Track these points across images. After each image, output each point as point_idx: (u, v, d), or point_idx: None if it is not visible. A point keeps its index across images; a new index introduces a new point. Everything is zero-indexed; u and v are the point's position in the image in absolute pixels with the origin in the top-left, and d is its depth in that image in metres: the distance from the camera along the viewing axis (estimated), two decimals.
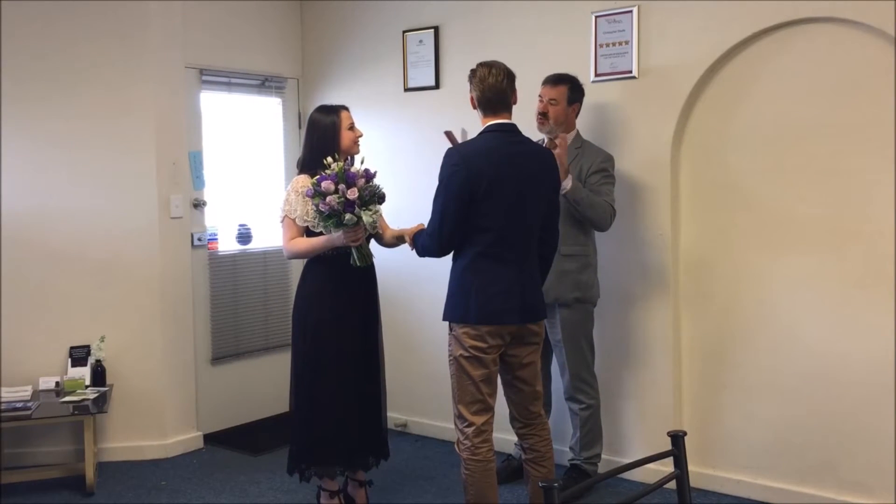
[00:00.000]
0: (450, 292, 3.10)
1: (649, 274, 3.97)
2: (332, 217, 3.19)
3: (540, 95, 3.79)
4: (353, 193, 3.15)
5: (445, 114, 4.54)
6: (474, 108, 3.16)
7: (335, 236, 3.31)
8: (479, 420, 3.06)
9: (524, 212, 3.04)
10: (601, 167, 3.73)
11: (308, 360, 3.44)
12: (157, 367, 4.52)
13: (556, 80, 3.80)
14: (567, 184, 3.52)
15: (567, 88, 3.78)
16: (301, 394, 3.47)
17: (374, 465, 3.65)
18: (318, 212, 3.20)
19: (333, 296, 3.43)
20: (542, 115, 3.77)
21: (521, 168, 3.03)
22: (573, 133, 3.86)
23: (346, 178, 3.17)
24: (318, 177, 3.20)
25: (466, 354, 3.03)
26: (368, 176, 3.25)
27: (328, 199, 3.15)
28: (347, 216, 3.17)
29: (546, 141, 3.81)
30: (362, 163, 3.33)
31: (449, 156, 3.04)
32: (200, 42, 4.76)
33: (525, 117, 3.68)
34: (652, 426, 3.96)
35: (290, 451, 3.55)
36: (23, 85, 4.33)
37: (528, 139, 3.20)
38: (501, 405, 3.21)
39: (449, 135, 3.56)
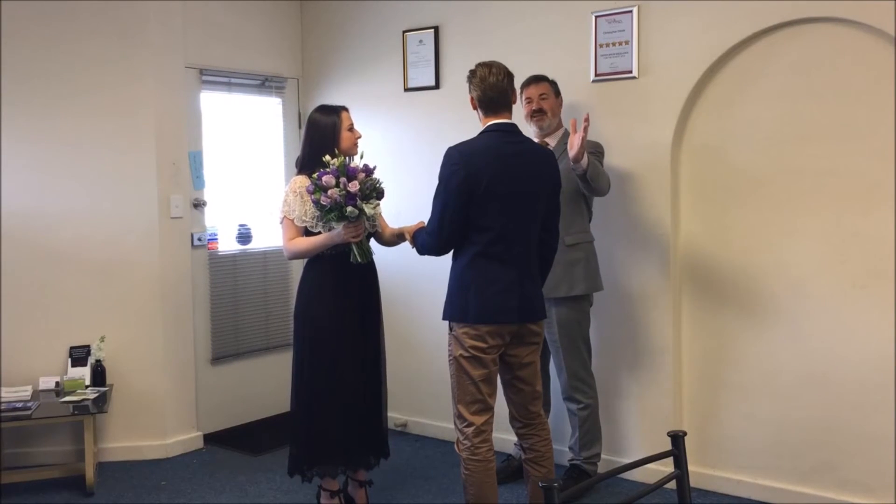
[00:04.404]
0: (449, 292, 3.10)
1: (649, 274, 3.97)
2: (333, 210, 3.19)
3: (528, 97, 3.81)
4: (354, 186, 3.17)
5: (445, 114, 4.55)
6: (474, 108, 3.16)
7: (335, 233, 3.31)
8: (478, 420, 3.06)
9: (524, 211, 3.04)
10: (589, 152, 3.73)
11: (309, 361, 3.43)
12: (157, 367, 4.52)
13: (536, 78, 3.86)
14: (584, 163, 3.49)
15: (549, 83, 3.84)
16: (302, 394, 3.47)
17: (374, 465, 3.65)
18: (320, 206, 3.20)
19: (334, 295, 3.43)
20: (539, 112, 3.80)
21: (521, 168, 3.03)
22: (562, 130, 3.88)
23: (347, 172, 3.19)
24: (318, 172, 3.21)
25: (466, 354, 3.03)
26: (368, 171, 3.27)
27: (329, 192, 3.15)
28: (349, 209, 3.17)
29: (537, 141, 3.82)
30: (361, 158, 3.34)
31: (449, 155, 3.04)
32: (200, 42, 4.76)
33: (521, 121, 3.68)
34: (652, 426, 3.96)
35: (291, 452, 3.54)
36: (23, 85, 4.33)
37: (528, 139, 3.21)
38: (501, 405, 3.21)
39: None
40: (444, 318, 3.12)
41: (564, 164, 3.61)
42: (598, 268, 3.88)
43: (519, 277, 3.03)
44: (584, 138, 3.43)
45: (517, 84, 3.31)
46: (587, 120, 3.48)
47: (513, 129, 3.10)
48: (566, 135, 3.86)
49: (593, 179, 3.55)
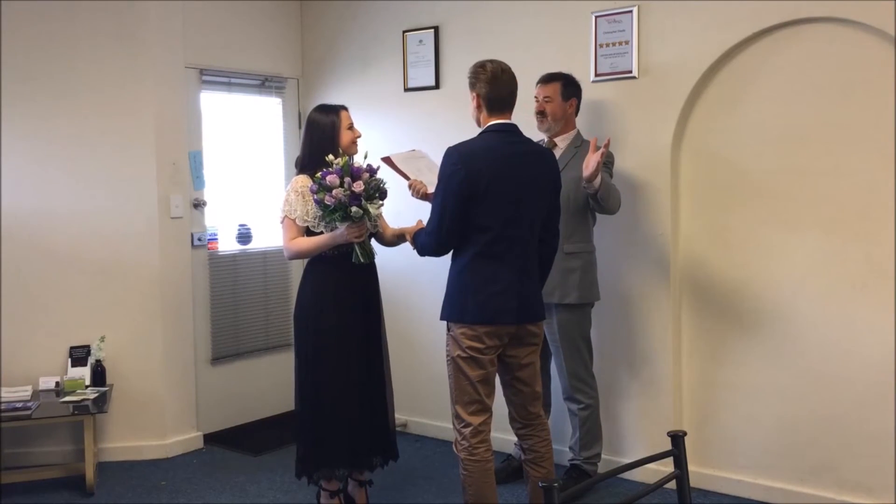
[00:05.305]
0: (448, 292, 3.10)
1: (649, 274, 3.97)
2: (337, 210, 3.19)
3: (535, 96, 3.81)
4: (358, 186, 3.17)
5: (445, 114, 4.55)
6: (477, 106, 3.11)
7: (338, 233, 3.30)
8: (476, 420, 3.06)
9: (524, 212, 3.03)
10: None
11: (312, 362, 3.42)
12: (157, 367, 4.52)
13: (548, 78, 3.84)
14: (597, 183, 3.47)
15: (560, 84, 3.80)
16: (306, 396, 3.45)
17: (381, 466, 3.62)
18: (324, 206, 3.20)
19: (335, 296, 3.42)
20: (540, 114, 3.80)
21: (521, 168, 3.03)
22: (574, 132, 3.86)
23: (351, 172, 3.19)
24: (321, 172, 3.21)
25: (464, 355, 3.02)
26: (372, 171, 3.28)
27: (334, 191, 3.15)
28: (354, 209, 3.17)
29: (546, 141, 3.83)
30: (366, 157, 3.34)
31: (449, 155, 3.03)
32: (200, 42, 4.76)
33: (525, 118, 3.67)
34: (652, 426, 3.96)
35: (298, 455, 3.53)
36: (23, 85, 4.33)
37: (528, 139, 3.20)
38: (500, 405, 3.21)
39: (388, 161, 3.47)
40: (442, 319, 3.12)
41: (576, 174, 3.60)
42: (596, 278, 3.86)
43: (518, 278, 3.03)
44: (599, 163, 3.41)
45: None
46: (607, 145, 3.47)
47: (513, 129, 3.09)
48: (578, 137, 3.85)
49: (603, 200, 3.55)
